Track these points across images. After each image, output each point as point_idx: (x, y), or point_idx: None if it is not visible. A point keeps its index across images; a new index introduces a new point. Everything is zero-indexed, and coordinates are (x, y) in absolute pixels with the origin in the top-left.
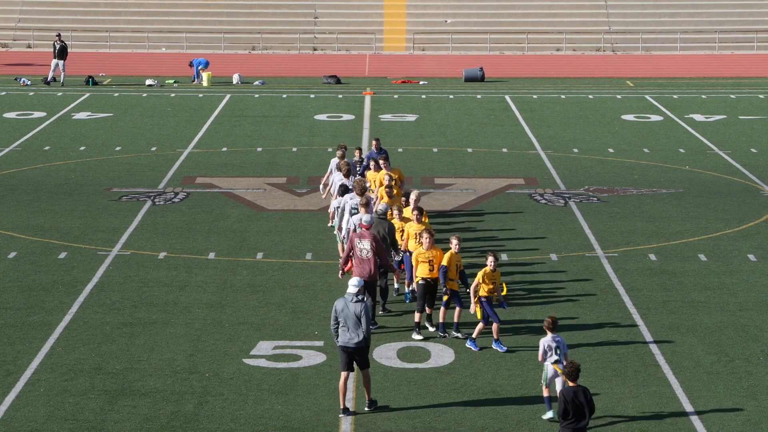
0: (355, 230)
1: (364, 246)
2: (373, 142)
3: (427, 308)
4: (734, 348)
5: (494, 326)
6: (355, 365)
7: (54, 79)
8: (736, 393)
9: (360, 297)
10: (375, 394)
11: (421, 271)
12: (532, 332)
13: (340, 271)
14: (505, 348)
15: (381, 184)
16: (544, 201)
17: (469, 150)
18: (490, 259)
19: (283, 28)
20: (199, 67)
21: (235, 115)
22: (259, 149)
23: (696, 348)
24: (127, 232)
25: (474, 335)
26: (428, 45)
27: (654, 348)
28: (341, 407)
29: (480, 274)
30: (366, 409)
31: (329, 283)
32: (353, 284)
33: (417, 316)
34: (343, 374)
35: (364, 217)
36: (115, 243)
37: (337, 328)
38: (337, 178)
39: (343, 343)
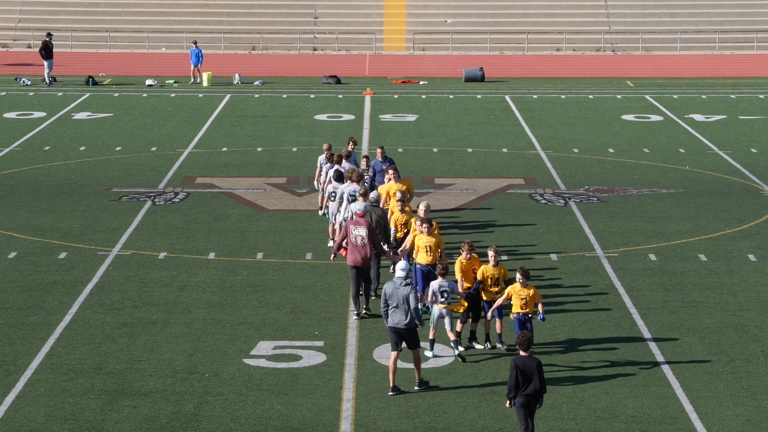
0: (352, 218)
1: (359, 233)
2: (378, 150)
3: (471, 322)
4: (734, 348)
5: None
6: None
7: (54, 79)
8: (736, 393)
9: (408, 281)
10: (375, 393)
11: (465, 282)
12: (533, 332)
13: (332, 255)
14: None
15: (390, 198)
16: (544, 201)
17: (469, 150)
18: (519, 276)
19: (283, 28)
20: (198, 65)
21: (235, 115)
22: (259, 149)
23: (696, 348)
24: (127, 232)
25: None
26: (428, 45)
27: (654, 348)
28: (391, 385)
29: (508, 290)
30: (416, 388)
31: (329, 283)
32: (401, 268)
33: (459, 326)
34: (393, 354)
35: (358, 205)
36: (115, 243)
37: (387, 310)
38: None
39: (393, 325)
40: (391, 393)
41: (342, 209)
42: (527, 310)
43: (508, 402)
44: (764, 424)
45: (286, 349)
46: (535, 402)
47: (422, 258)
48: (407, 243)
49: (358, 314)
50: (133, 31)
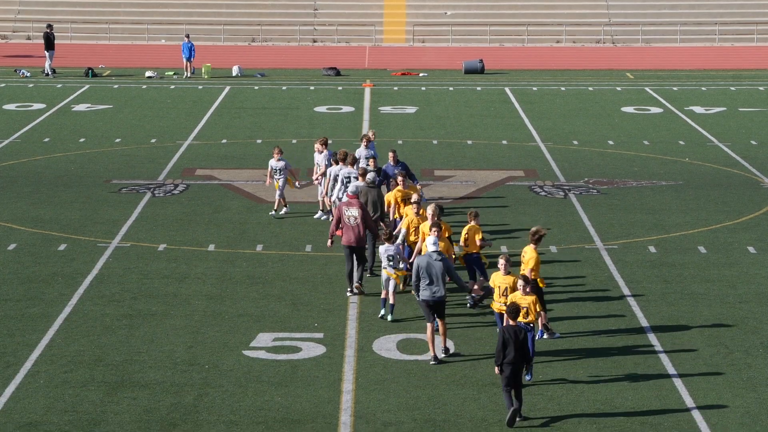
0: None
1: (352, 213)
2: (390, 154)
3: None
4: (734, 340)
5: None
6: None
7: (54, 71)
8: (736, 385)
9: (442, 255)
10: (375, 385)
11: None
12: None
13: (330, 240)
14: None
15: (399, 203)
16: (543, 193)
17: (469, 142)
18: (520, 283)
19: (283, 19)
20: (190, 59)
21: (235, 107)
22: (259, 141)
23: (695, 340)
24: (127, 223)
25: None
26: (428, 37)
27: (653, 340)
28: (432, 355)
29: (510, 297)
30: (441, 355)
31: (329, 274)
32: (432, 242)
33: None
34: (429, 326)
35: (350, 187)
36: (114, 235)
37: (419, 284)
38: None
39: (426, 298)
40: (432, 362)
41: (335, 191)
42: (529, 319)
43: (496, 368)
44: (763, 416)
45: (285, 341)
46: (520, 369)
47: None
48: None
49: (351, 291)
50: (132, 23)
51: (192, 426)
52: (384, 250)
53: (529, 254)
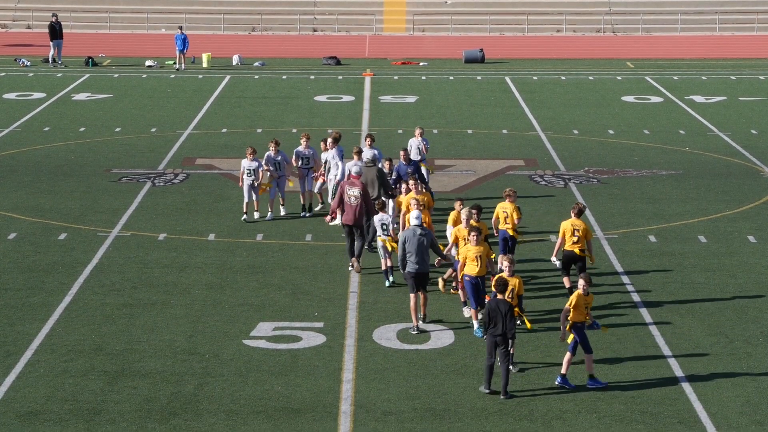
0: (348, 178)
1: (353, 193)
2: (401, 153)
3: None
4: (734, 329)
5: (586, 359)
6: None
7: (54, 61)
8: (736, 374)
9: (425, 230)
10: (375, 374)
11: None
12: (532, 314)
13: (329, 216)
14: (605, 383)
15: (408, 209)
16: (544, 182)
17: (469, 131)
18: (581, 283)
19: (283, 8)
20: (183, 51)
21: (235, 96)
22: (259, 130)
23: (695, 329)
24: (127, 213)
25: (564, 370)
26: (428, 26)
27: (653, 329)
28: (414, 325)
29: (573, 298)
30: (420, 323)
31: (329, 264)
32: (415, 217)
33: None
34: (412, 296)
35: (353, 168)
36: (115, 224)
37: (405, 257)
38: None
39: (411, 270)
40: (414, 332)
41: (331, 174)
42: (588, 317)
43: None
44: (764, 405)
45: (285, 330)
46: (503, 342)
47: (471, 269)
48: (457, 256)
49: (352, 266)
50: (132, 12)
51: (192, 415)
52: (378, 219)
53: (583, 226)
